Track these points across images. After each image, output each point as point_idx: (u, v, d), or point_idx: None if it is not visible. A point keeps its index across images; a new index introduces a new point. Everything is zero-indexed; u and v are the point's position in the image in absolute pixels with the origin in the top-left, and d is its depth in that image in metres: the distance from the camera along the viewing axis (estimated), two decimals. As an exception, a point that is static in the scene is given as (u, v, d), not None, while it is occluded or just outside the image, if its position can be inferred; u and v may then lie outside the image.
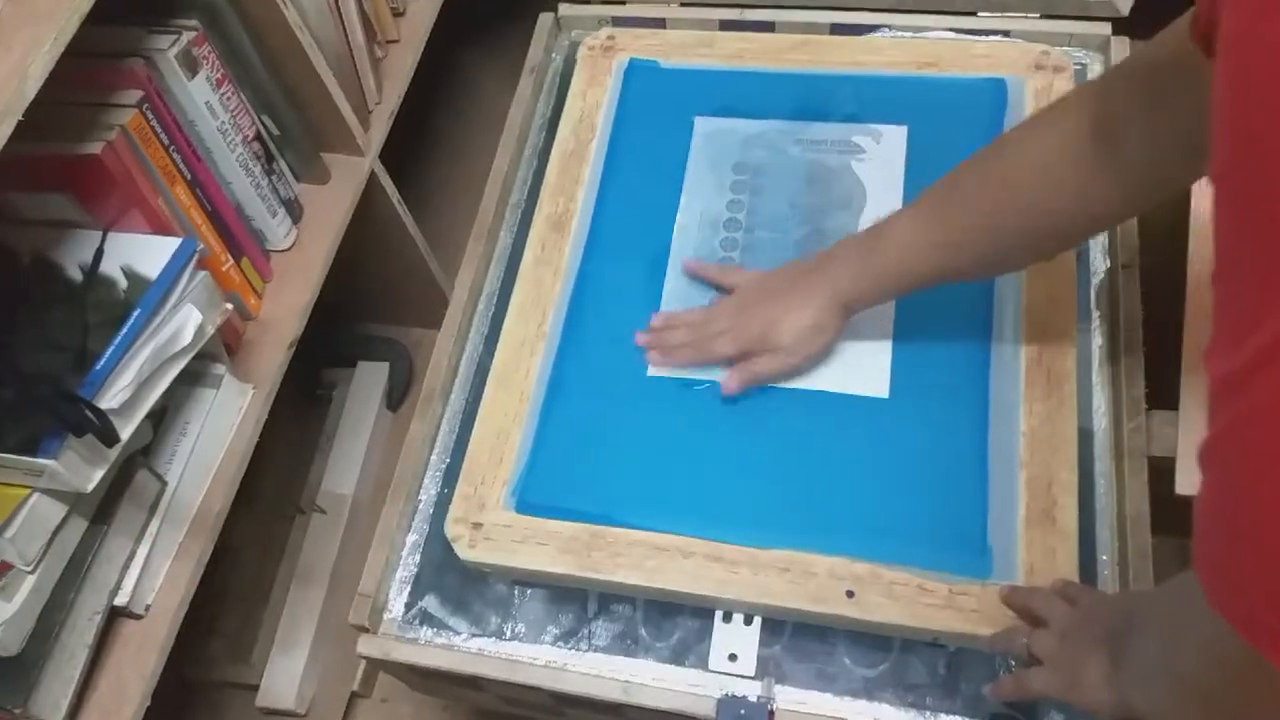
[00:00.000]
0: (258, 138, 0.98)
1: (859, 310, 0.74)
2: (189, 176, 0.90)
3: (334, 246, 1.06)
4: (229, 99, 0.93)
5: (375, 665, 0.78)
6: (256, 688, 1.19)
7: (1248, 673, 0.39)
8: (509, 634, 0.75)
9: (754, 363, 0.75)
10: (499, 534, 0.74)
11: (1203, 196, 0.80)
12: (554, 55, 1.02)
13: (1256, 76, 0.33)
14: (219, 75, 0.91)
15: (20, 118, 0.64)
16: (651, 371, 0.79)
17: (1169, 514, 0.72)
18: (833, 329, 0.74)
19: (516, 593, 0.76)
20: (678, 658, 0.72)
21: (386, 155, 1.15)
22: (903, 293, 0.72)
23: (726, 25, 0.98)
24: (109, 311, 0.78)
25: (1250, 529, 0.34)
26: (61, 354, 0.76)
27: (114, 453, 0.76)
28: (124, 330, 0.77)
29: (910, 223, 0.69)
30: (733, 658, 0.71)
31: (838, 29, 0.96)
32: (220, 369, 0.93)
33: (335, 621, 1.22)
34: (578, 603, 0.75)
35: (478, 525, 0.74)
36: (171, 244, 0.82)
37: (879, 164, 0.86)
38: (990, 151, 0.67)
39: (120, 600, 0.83)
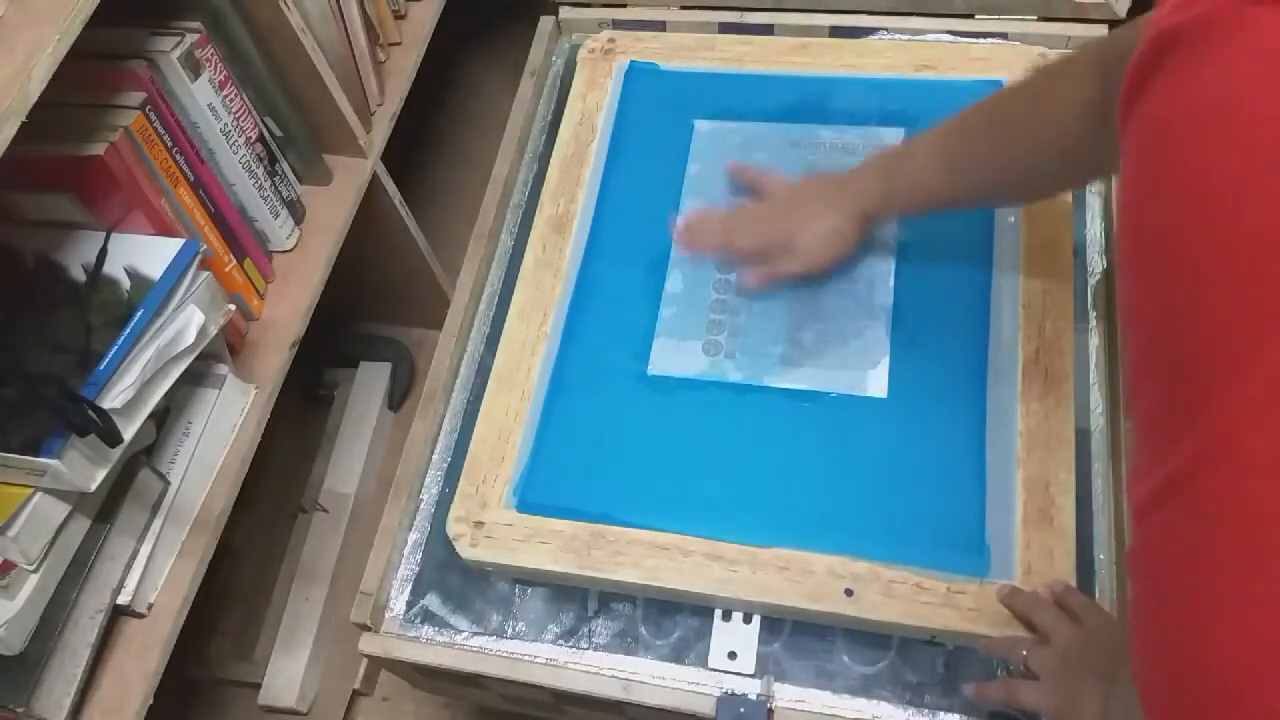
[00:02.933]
0: (260, 139, 0.98)
1: (878, 221, 0.78)
2: (192, 178, 0.90)
3: (336, 247, 1.06)
4: (232, 100, 0.93)
5: (377, 663, 0.78)
6: (259, 686, 1.19)
7: None
8: (510, 632, 0.75)
9: (776, 263, 0.79)
10: (500, 533, 0.74)
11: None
12: (555, 58, 1.03)
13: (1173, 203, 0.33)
14: (222, 77, 0.91)
15: (24, 119, 0.65)
16: (662, 370, 0.80)
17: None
18: (853, 238, 0.77)
19: (517, 591, 0.77)
20: (678, 656, 0.73)
21: (388, 157, 1.15)
22: (918, 210, 0.76)
23: (726, 28, 0.98)
24: (112, 312, 0.79)
25: (1162, 653, 0.34)
26: (65, 354, 0.77)
27: (117, 453, 0.76)
28: (127, 331, 0.77)
29: (929, 147, 0.72)
30: (732, 656, 0.71)
31: (836, 31, 0.96)
32: (223, 369, 0.93)
33: (337, 620, 1.22)
34: (578, 601, 0.76)
35: (479, 524, 0.75)
36: (174, 245, 0.82)
37: (878, 165, 0.87)
38: (1007, 93, 0.70)
39: (123, 599, 0.83)
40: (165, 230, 0.87)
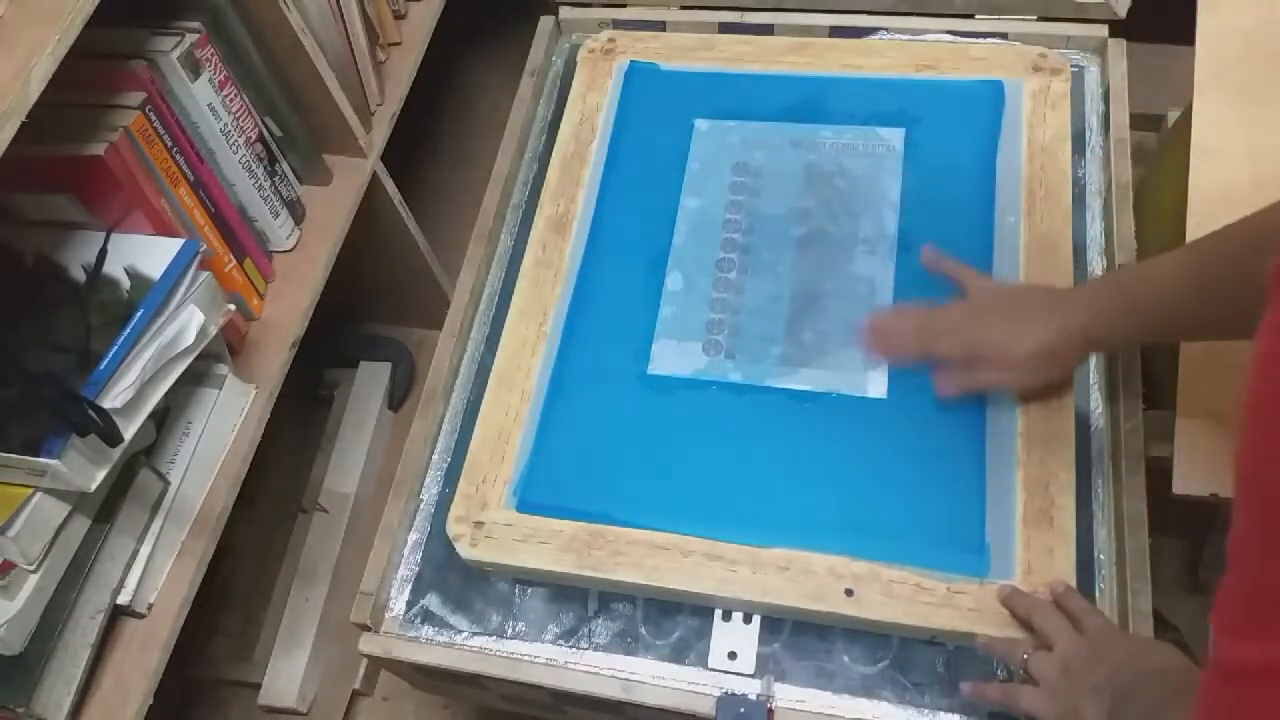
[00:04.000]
0: (260, 139, 0.98)
1: (1101, 348, 0.71)
2: (192, 178, 0.90)
3: (336, 247, 1.06)
4: (232, 100, 0.93)
5: (377, 663, 0.78)
6: (259, 686, 1.19)
7: None
8: (510, 632, 0.75)
9: (978, 372, 0.72)
10: (500, 533, 0.74)
11: (1199, 196, 0.80)
12: (555, 58, 1.03)
13: None
14: (222, 77, 0.91)
15: (24, 119, 0.65)
16: (662, 370, 0.80)
17: (1166, 514, 0.72)
18: (1072, 361, 0.71)
19: (517, 591, 0.77)
20: (677, 656, 0.73)
21: (388, 157, 1.15)
22: (1149, 338, 0.69)
23: (726, 28, 0.98)
24: (112, 312, 0.79)
25: None
26: (65, 354, 0.77)
27: (117, 452, 0.76)
28: (127, 331, 0.77)
29: (1175, 266, 0.65)
30: (732, 656, 0.71)
31: (836, 31, 0.96)
32: (223, 369, 0.93)
33: (337, 620, 1.22)
34: (578, 601, 0.76)
35: (479, 524, 0.75)
36: (174, 245, 0.82)
37: (877, 166, 0.87)
38: (1263, 212, 0.63)
39: (123, 599, 0.83)
40: (165, 230, 0.87)
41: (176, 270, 0.81)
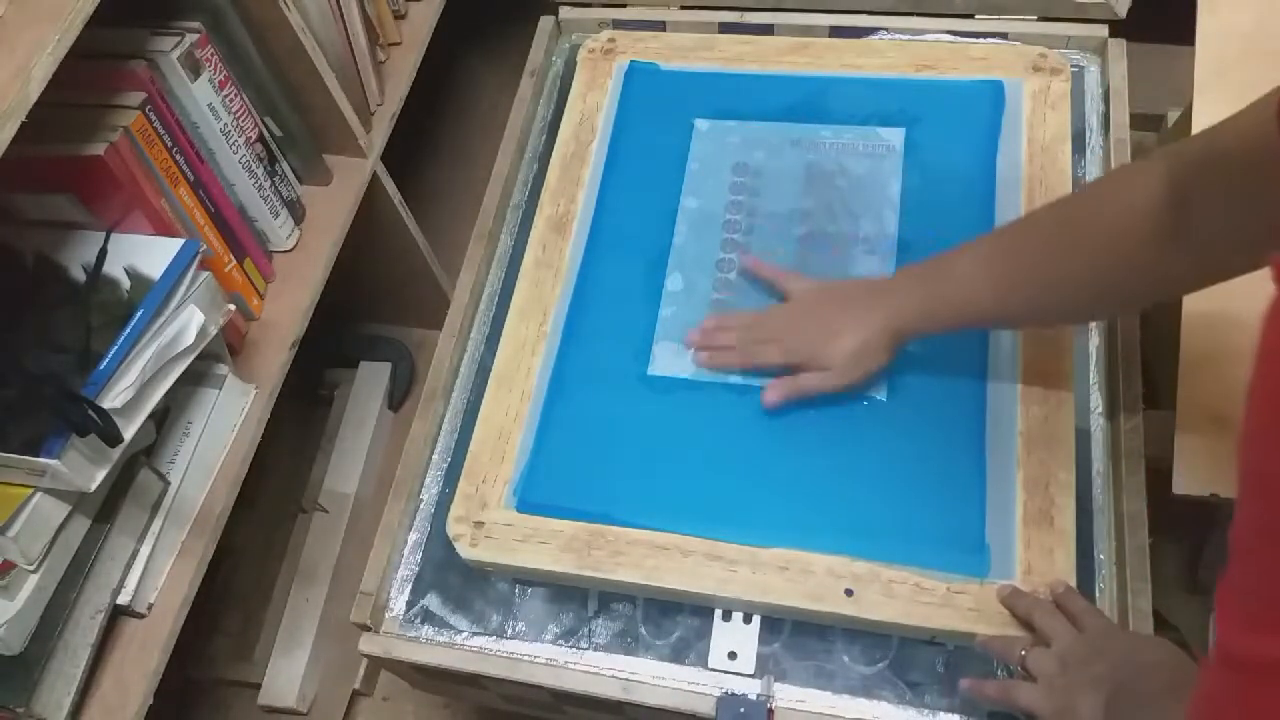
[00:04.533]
0: (260, 139, 0.98)
1: (911, 340, 0.73)
2: (192, 178, 0.90)
3: (336, 247, 1.06)
4: (231, 100, 0.93)
5: (377, 663, 0.78)
6: (259, 686, 1.19)
7: None
8: (510, 632, 0.75)
9: (800, 378, 0.74)
10: (500, 533, 0.74)
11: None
12: (555, 58, 1.03)
13: None
14: (222, 77, 0.91)
15: (24, 119, 0.65)
16: (662, 371, 0.80)
17: (1166, 514, 0.72)
18: (883, 356, 0.73)
19: (517, 591, 0.77)
20: (677, 656, 0.73)
21: (388, 157, 1.15)
22: (958, 327, 0.71)
23: (726, 28, 0.98)
24: (112, 312, 0.79)
25: None
26: (65, 354, 0.77)
27: (117, 452, 0.76)
28: (127, 331, 0.77)
29: (974, 258, 0.68)
30: (732, 656, 0.71)
31: (836, 31, 0.96)
32: (223, 369, 0.93)
33: (337, 620, 1.22)
34: (578, 601, 0.76)
35: (479, 524, 0.75)
36: (174, 245, 0.82)
37: (877, 166, 0.87)
38: (1066, 199, 0.67)
39: (123, 599, 0.83)
40: (165, 230, 0.87)
41: (176, 270, 0.81)
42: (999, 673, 0.69)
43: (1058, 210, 0.66)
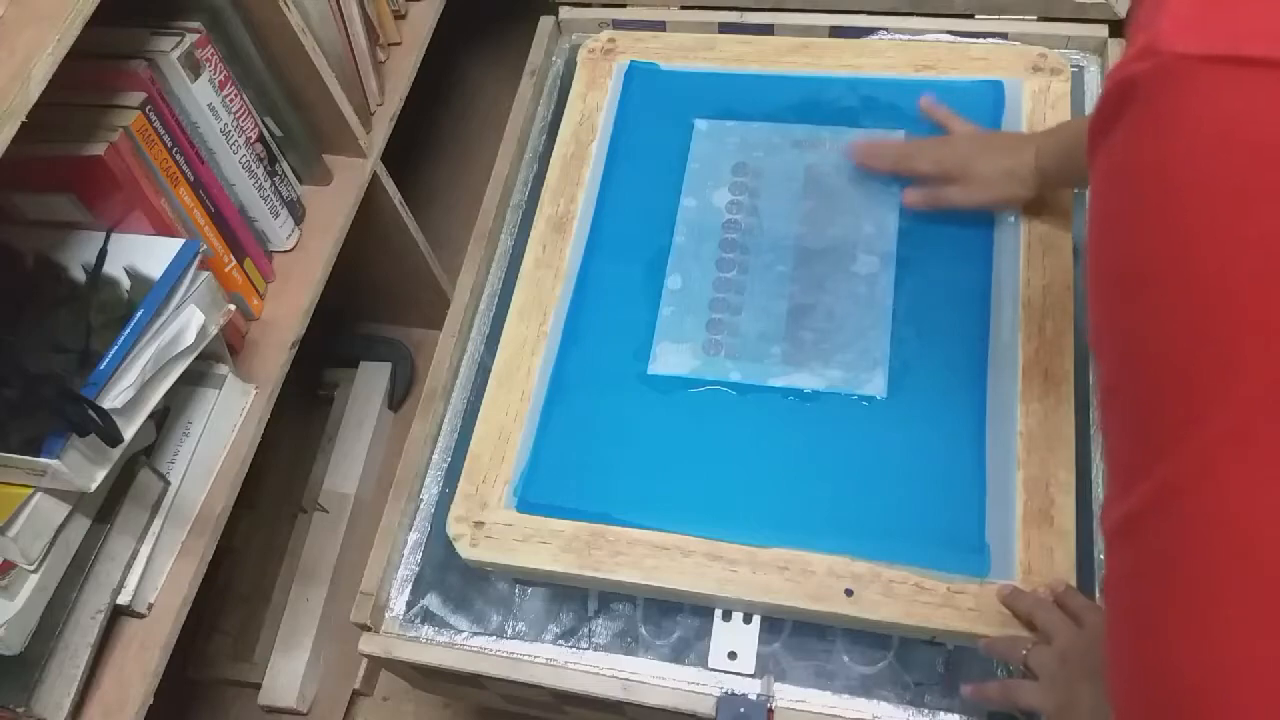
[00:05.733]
0: (260, 139, 0.98)
1: (1052, 186, 0.78)
2: (192, 178, 0.90)
3: (336, 247, 1.06)
4: (232, 100, 0.93)
5: (377, 663, 0.78)
6: (259, 686, 1.19)
7: None
8: (510, 632, 0.75)
9: (944, 189, 0.80)
10: (500, 533, 0.74)
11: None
12: (555, 58, 1.03)
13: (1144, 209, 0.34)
14: (222, 77, 0.91)
15: (24, 119, 0.65)
16: (662, 370, 0.80)
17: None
18: (1027, 186, 0.77)
19: (517, 591, 0.77)
20: (678, 656, 0.73)
21: (388, 157, 1.15)
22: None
23: (726, 28, 0.98)
24: (112, 312, 0.79)
25: (1135, 673, 0.35)
26: (65, 354, 0.77)
27: (117, 452, 0.76)
28: (127, 331, 0.77)
29: None
30: (732, 656, 0.71)
31: (836, 31, 0.96)
32: (223, 369, 0.93)
33: (337, 620, 1.22)
34: (578, 601, 0.76)
35: (479, 524, 0.75)
36: (174, 245, 0.82)
37: (878, 165, 0.87)
38: None
39: (123, 599, 0.83)
40: (165, 230, 0.87)
41: (176, 270, 0.81)
42: (999, 673, 0.69)
43: None
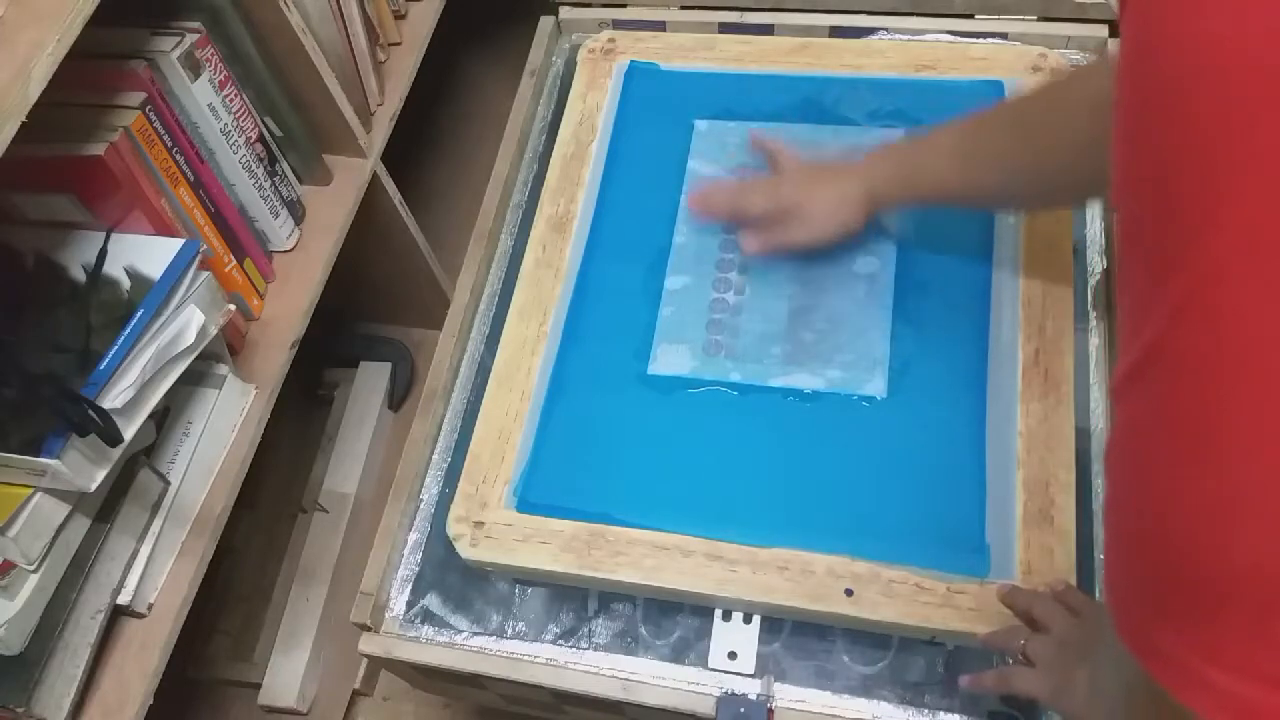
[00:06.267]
0: (260, 139, 0.98)
1: (886, 205, 0.77)
2: (192, 178, 0.90)
3: (336, 247, 1.06)
4: (232, 101, 0.93)
5: (377, 663, 0.78)
6: (259, 686, 1.19)
7: (1144, 696, 0.39)
8: (510, 632, 0.75)
9: (781, 230, 0.79)
10: (500, 533, 0.74)
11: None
12: (555, 58, 1.03)
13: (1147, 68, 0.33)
14: (222, 77, 0.91)
15: (24, 119, 0.65)
16: (662, 370, 0.80)
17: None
18: (859, 214, 0.77)
19: (517, 591, 0.77)
20: (677, 656, 0.73)
21: (388, 157, 1.15)
22: (928, 202, 0.76)
23: (726, 28, 0.98)
24: (112, 312, 0.79)
25: (1135, 535, 0.34)
26: (65, 354, 0.77)
27: (117, 452, 0.76)
28: (127, 331, 0.77)
29: (947, 138, 0.72)
30: (732, 656, 0.71)
31: (836, 31, 0.96)
32: (223, 369, 0.93)
33: (337, 620, 1.22)
34: (578, 601, 0.76)
35: (479, 524, 0.75)
36: (174, 245, 0.82)
37: (878, 165, 0.87)
38: (1031, 90, 0.72)
39: (123, 599, 0.83)
40: (165, 230, 0.87)
41: (176, 270, 0.81)
42: (996, 664, 0.69)
43: (1020, 104, 0.72)
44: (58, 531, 0.78)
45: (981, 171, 0.71)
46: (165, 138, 0.86)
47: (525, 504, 0.76)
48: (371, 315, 1.44)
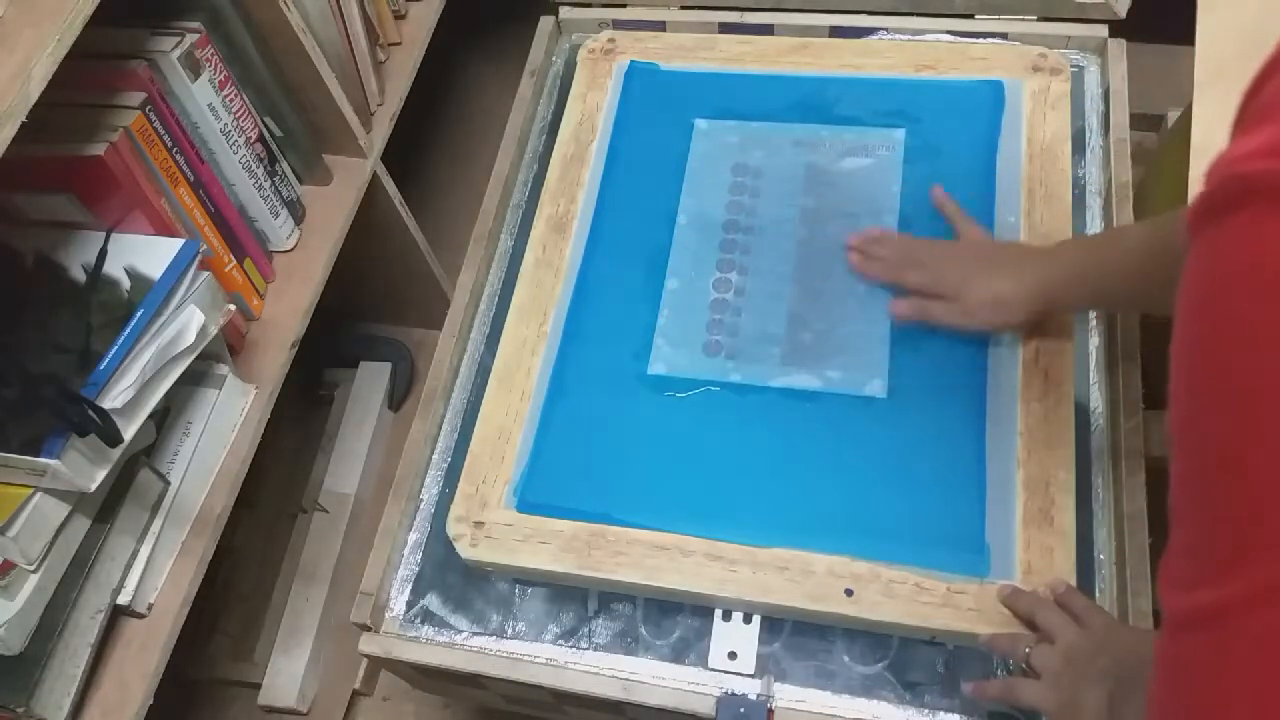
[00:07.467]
0: (260, 139, 0.98)
1: (1059, 308, 0.74)
2: (192, 178, 0.90)
3: (336, 247, 1.06)
4: (232, 100, 0.93)
5: (377, 664, 0.78)
6: (259, 686, 1.19)
7: None
8: (510, 632, 0.75)
9: (932, 304, 0.76)
10: (500, 533, 0.74)
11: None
12: (555, 58, 1.03)
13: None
14: (222, 77, 0.91)
15: (24, 119, 0.65)
16: (662, 370, 0.80)
17: (1166, 514, 0.72)
18: (1021, 313, 0.73)
19: (517, 591, 0.77)
20: (678, 656, 0.73)
21: (388, 157, 1.15)
22: (1108, 307, 0.75)
23: (726, 28, 0.98)
24: (112, 312, 0.79)
25: None
26: (65, 354, 0.77)
27: (117, 453, 0.76)
28: (127, 331, 0.77)
29: (1132, 240, 0.69)
30: (732, 656, 0.71)
31: (836, 31, 0.96)
32: (223, 369, 0.93)
33: (337, 620, 1.22)
34: (578, 601, 0.76)
35: (479, 524, 0.75)
36: (174, 245, 0.82)
37: (877, 166, 0.87)
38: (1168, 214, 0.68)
39: (123, 599, 0.83)
40: (165, 230, 0.87)
41: (176, 270, 0.81)
42: (998, 671, 0.69)
43: (1156, 224, 0.67)
44: (58, 531, 0.78)
45: (1157, 290, 0.64)
46: (165, 138, 0.86)
47: (525, 504, 0.76)
48: (371, 315, 1.44)
